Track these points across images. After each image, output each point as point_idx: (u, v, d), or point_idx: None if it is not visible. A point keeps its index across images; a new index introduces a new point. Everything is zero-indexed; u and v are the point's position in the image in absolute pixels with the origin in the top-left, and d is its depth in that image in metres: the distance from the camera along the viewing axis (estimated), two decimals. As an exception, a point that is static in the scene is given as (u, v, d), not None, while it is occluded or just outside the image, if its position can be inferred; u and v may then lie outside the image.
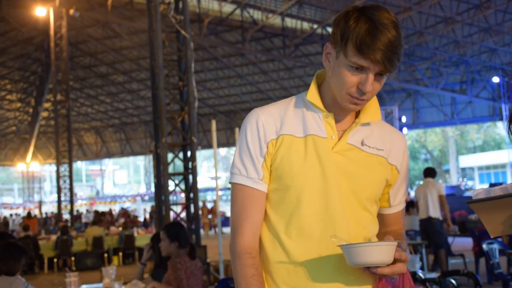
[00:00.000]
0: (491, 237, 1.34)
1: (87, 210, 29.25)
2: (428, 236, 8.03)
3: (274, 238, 1.55)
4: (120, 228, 14.45)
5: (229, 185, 1.62)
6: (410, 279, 1.50)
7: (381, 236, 1.63)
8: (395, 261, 1.39)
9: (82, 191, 53.81)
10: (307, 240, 1.51)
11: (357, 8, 1.46)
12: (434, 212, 8.09)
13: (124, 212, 24.30)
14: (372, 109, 1.60)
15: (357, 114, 1.61)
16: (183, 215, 10.08)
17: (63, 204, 19.66)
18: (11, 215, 29.58)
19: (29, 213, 19.32)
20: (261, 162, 1.55)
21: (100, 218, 16.81)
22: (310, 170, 1.52)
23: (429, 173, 8.42)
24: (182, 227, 4.48)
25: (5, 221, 21.93)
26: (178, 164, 10.42)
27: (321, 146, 1.53)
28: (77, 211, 19.46)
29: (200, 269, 4.41)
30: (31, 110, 33.02)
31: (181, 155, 10.15)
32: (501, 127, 33.45)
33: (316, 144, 1.53)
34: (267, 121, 1.55)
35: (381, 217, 1.67)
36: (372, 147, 1.58)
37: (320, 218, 1.51)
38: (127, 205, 37.75)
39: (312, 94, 1.58)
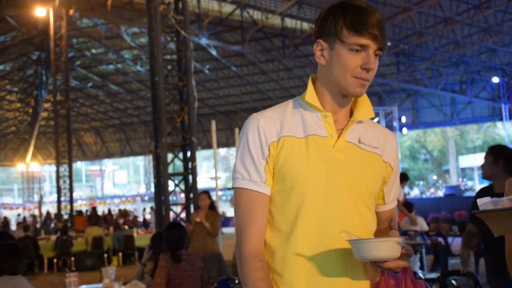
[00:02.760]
0: (495, 236, 1.34)
1: (86, 211, 29.25)
2: None
3: (281, 238, 1.56)
4: (112, 229, 14.36)
5: (229, 185, 1.64)
6: (411, 272, 1.54)
7: (376, 234, 1.67)
8: (400, 255, 1.43)
9: (82, 191, 53.80)
10: (315, 238, 1.53)
11: (336, 4, 1.57)
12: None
13: (123, 213, 24.28)
14: (365, 106, 1.65)
15: (351, 113, 1.65)
16: (183, 215, 10.08)
17: (62, 204, 19.66)
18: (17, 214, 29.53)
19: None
20: (264, 165, 1.56)
21: (97, 218, 16.76)
22: (314, 169, 1.54)
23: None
24: (164, 233, 4.52)
25: (6, 222, 21.92)
26: (178, 164, 10.42)
27: (322, 145, 1.57)
28: (76, 211, 19.42)
29: (199, 269, 4.41)
30: (31, 110, 33.02)
31: (181, 155, 10.15)
32: (500, 127, 33.46)
33: (318, 143, 1.57)
34: (267, 124, 1.58)
35: (375, 214, 1.70)
36: (368, 145, 1.63)
37: (326, 216, 1.54)
38: (127, 206, 37.72)
39: (310, 95, 1.61)
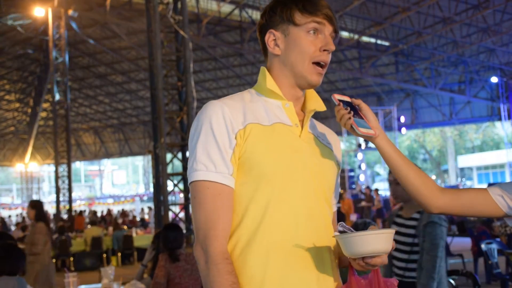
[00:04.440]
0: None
1: (85, 211, 29.24)
2: None
3: (248, 232, 1.42)
4: (111, 229, 14.36)
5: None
6: (379, 271, 1.46)
7: None
8: None
9: (80, 191, 53.79)
10: (285, 232, 1.42)
11: None
12: None
13: (122, 213, 24.27)
14: (316, 99, 1.59)
15: (303, 106, 1.59)
16: (182, 215, 10.07)
17: (61, 205, 19.65)
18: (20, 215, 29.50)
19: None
20: (230, 155, 1.41)
21: (96, 219, 16.75)
22: (284, 158, 1.45)
23: None
24: (161, 234, 4.53)
25: (3, 222, 21.90)
26: (177, 164, 10.42)
27: (289, 134, 1.49)
28: (75, 211, 19.46)
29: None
30: (29, 110, 33.01)
31: (179, 155, 10.14)
32: (499, 127, 33.48)
33: (284, 132, 1.48)
34: (232, 112, 1.44)
35: None
36: (323, 139, 1.59)
37: (296, 207, 1.44)
38: (126, 206, 37.71)
39: (271, 83, 1.53)
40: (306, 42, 1.49)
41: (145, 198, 39.90)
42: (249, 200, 1.43)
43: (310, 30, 1.49)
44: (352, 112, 1.47)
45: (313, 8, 1.48)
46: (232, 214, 1.43)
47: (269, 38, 1.53)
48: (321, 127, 1.64)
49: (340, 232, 1.38)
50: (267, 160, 1.43)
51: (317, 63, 1.50)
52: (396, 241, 2.05)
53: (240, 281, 1.40)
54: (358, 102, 1.52)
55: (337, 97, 1.51)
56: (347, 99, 1.53)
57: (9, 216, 29.03)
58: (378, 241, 1.31)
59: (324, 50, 1.49)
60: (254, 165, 1.43)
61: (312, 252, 1.44)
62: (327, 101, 3.06)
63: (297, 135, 1.50)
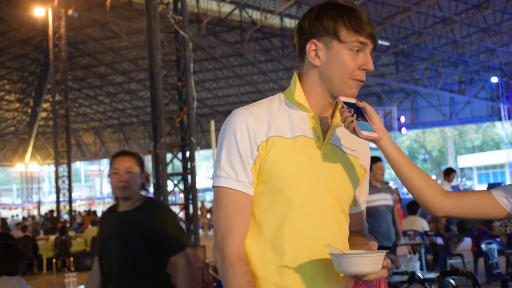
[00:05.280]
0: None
1: (85, 211, 29.26)
2: None
3: (265, 242, 1.52)
4: None
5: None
6: (385, 281, 1.53)
7: (348, 237, 1.65)
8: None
9: (80, 191, 53.78)
10: (301, 243, 1.50)
11: (325, 3, 1.54)
12: None
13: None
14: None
15: (332, 116, 1.62)
16: (182, 215, 10.07)
17: (61, 205, 19.65)
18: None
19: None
20: (251, 165, 1.50)
21: (96, 219, 16.76)
22: (302, 172, 1.51)
23: None
24: None
25: (4, 222, 21.90)
26: (177, 165, 10.41)
27: (310, 147, 1.53)
28: (75, 211, 19.46)
29: (199, 269, 4.42)
30: (29, 110, 33.02)
31: (180, 155, 10.14)
32: (499, 127, 33.46)
33: (305, 145, 1.53)
34: (256, 123, 1.51)
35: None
36: (348, 148, 1.60)
37: (313, 221, 1.51)
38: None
39: (299, 94, 1.56)
40: (348, 59, 1.50)
41: (145, 198, 39.83)
42: (267, 208, 1.52)
43: (354, 48, 1.50)
44: (355, 115, 1.48)
45: (359, 26, 1.48)
46: (251, 219, 1.54)
47: (310, 48, 1.54)
48: (348, 132, 1.61)
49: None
50: (285, 174, 1.50)
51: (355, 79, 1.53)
52: None
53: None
54: (363, 104, 1.53)
55: (342, 99, 1.51)
56: (352, 100, 1.53)
57: (12, 216, 29.07)
58: (366, 264, 1.36)
59: (363, 69, 1.51)
60: (273, 178, 1.51)
61: (328, 267, 1.49)
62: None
63: (317, 148, 1.54)
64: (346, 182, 1.58)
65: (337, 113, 1.59)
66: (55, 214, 20.62)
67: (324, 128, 1.57)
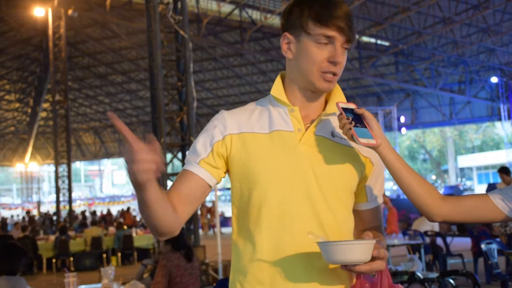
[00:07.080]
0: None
1: (85, 211, 29.24)
2: None
3: (246, 236, 1.53)
4: (112, 229, 14.37)
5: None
6: (389, 275, 1.48)
7: (359, 234, 1.61)
8: (373, 258, 1.37)
9: (80, 191, 53.79)
10: (278, 237, 1.48)
11: None
12: None
13: (123, 212, 24.28)
14: (338, 99, 1.60)
15: (325, 106, 1.61)
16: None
17: (61, 205, 19.65)
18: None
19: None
20: (208, 152, 1.55)
21: (96, 220, 16.74)
22: (276, 164, 1.51)
23: None
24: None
25: (4, 222, 21.89)
26: (177, 165, 10.42)
27: (287, 140, 1.53)
28: (74, 211, 19.50)
29: (198, 269, 4.43)
30: (29, 110, 33.02)
31: (179, 155, 10.15)
32: (499, 127, 33.46)
33: (283, 139, 1.53)
34: (230, 118, 1.57)
35: (358, 213, 1.64)
36: (343, 138, 1.57)
37: (290, 212, 1.49)
38: (125, 206, 37.68)
39: (277, 89, 1.59)
40: (314, 52, 1.49)
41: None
42: (245, 204, 1.55)
43: (320, 41, 1.48)
44: (353, 122, 1.47)
45: (326, 19, 1.46)
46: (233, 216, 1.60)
47: (283, 41, 1.56)
48: None
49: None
50: (259, 168, 1.52)
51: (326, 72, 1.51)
52: None
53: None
54: (361, 111, 1.52)
55: (340, 105, 1.51)
56: (351, 106, 1.53)
57: (12, 216, 29.06)
58: (353, 251, 1.33)
59: (331, 62, 1.49)
60: (249, 174, 1.53)
61: (311, 260, 1.47)
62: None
63: (297, 140, 1.53)
64: (340, 171, 1.53)
65: (329, 103, 1.59)
66: (54, 217, 20.62)
67: (311, 120, 1.57)
